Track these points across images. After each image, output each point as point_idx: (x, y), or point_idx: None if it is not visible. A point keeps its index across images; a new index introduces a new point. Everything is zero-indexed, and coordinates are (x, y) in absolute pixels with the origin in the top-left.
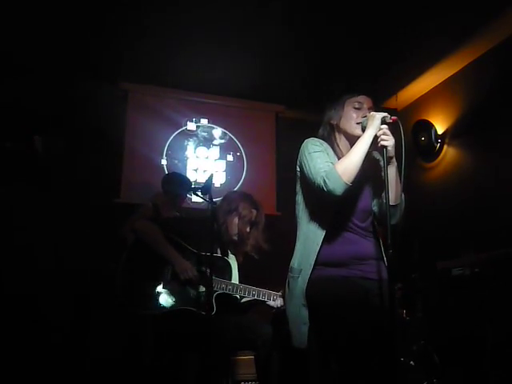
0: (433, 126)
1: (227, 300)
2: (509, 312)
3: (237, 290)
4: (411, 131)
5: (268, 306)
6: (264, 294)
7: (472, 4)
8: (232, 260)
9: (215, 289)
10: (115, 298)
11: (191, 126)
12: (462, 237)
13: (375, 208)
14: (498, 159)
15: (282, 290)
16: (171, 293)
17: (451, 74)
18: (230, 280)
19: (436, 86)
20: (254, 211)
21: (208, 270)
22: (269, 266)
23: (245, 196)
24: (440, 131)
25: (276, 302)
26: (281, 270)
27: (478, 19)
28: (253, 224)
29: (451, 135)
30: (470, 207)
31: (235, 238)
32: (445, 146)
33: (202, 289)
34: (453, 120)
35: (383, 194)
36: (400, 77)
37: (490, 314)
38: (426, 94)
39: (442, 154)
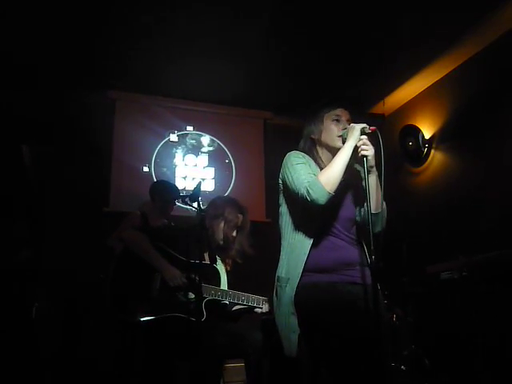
0: (420, 130)
1: (217, 307)
2: (498, 315)
3: (226, 296)
4: (398, 136)
5: (256, 312)
6: (253, 300)
7: (456, 10)
8: (220, 267)
9: (204, 295)
10: (105, 307)
11: (174, 137)
12: (450, 241)
13: (358, 217)
14: (484, 163)
15: (270, 294)
16: (161, 300)
17: (437, 79)
18: (219, 286)
19: (423, 91)
20: (240, 216)
21: (197, 277)
22: (258, 272)
23: (231, 201)
24: (427, 136)
25: (264, 307)
26: (270, 276)
27: (463, 25)
28: (238, 229)
29: (438, 140)
30: (458, 211)
31: (221, 242)
32: (432, 151)
33: (192, 295)
34: (440, 125)
35: (365, 203)
36: (387, 82)
37: (480, 317)
38: (413, 99)
39: (429, 159)
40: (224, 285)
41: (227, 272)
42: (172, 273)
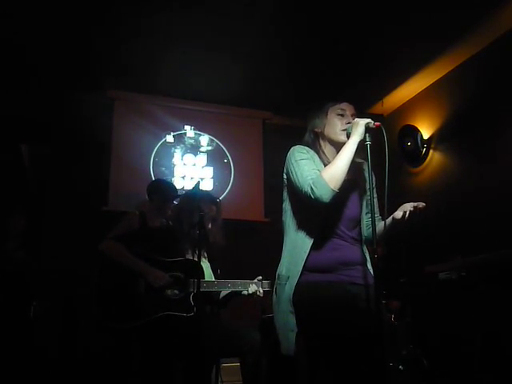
0: (418, 131)
1: (205, 298)
2: (497, 315)
3: (212, 286)
4: (397, 136)
5: (243, 295)
6: (240, 285)
7: (455, 11)
8: (205, 262)
9: (190, 289)
10: (95, 317)
11: (170, 138)
12: (448, 241)
13: (365, 231)
14: (483, 163)
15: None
16: (148, 303)
17: (436, 79)
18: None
19: (421, 92)
20: (214, 207)
21: (180, 274)
22: (257, 272)
23: (203, 194)
24: (426, 136)
25: (249, 288)
26: (269, 276)
27: (462, 25)
28: (213, 220)
29: (437, 140)
30: (457, 211)
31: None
32: (431, 151)
33: (178, 292)
34: (438, 125)
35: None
36: (386, 83)
37: (478, 318)
38: (411, 99)
39: (427, 159)
40: (209, 277)
41: (214, 270)
42: (154, 274)
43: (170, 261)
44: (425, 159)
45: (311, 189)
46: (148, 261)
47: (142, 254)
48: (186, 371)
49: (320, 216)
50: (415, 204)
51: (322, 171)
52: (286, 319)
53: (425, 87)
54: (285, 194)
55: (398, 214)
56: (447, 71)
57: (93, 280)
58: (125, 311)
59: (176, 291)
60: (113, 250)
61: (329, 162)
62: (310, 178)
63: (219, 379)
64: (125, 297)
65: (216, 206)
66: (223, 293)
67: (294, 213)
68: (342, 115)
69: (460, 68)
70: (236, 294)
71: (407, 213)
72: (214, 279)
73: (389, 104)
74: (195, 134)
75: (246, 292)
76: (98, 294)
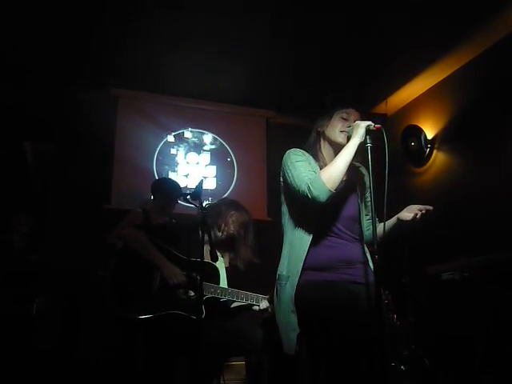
0: (422, 131)
1: (216, 304)
2: (499, 315)
3: (225, 294)
4: (401, 136)
5: (254, 310)
6: (252, 298)
7: (459, 12)
8: (220, 265)
9: (204, 293)
10: (105, 304)
11: (170, 138)
12: (451, 241)
13: (367, 231)
14: (486, 164)
15: (270, 293)
16: (161, 298)
17: (440, 79)
18: (218, 284)
19: (425, 92)
20: (247, 218)
21: (196, 275)
22: (259, 271)
23: (240, 206)
24: (430, 136)
25: (261, 304)
26: (271, 275)
27: (466, 26)
28: (246, 229)
29: (441, 140)
30: (460, 211)
31: (223, 236)
32: (434, 151)
33: (191, 293)
34: (442, 125)
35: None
36: (390, 82)
37: (480, 318)
38: (415, 99)
39: (431, 159)
40: (223, 283)
41: (226, 268)
42: (171, 271)
43: (189, 260)
44: (428, 159)
45: (308, 188)
46: (167, 255)
47: (161, 247)
48: (191, 371)
49: (317, 215)
50: (427, 207)
51: (321, 171)
52: (287, 319)
53: (429, 87)
54: (282, 198)
55: (407, 215)
56: (451, 71)
57: (108, 266)
58: (135, 302)
59: (189, 292)
60: (136, 236)
61: (325, 163)
62: (307, 178)
63: (221, 378)
64: (138, 287)
65: (248, 216)
66: (235, 303)
67: (291, 214)
68: (345, 119)
69: (464, 68)
70: (247, 308)
71: (418, 215)
72: (227, 286)
73: (393, 103)
74: (197, 133)
75: (257, 307)
76: (112, 279)
